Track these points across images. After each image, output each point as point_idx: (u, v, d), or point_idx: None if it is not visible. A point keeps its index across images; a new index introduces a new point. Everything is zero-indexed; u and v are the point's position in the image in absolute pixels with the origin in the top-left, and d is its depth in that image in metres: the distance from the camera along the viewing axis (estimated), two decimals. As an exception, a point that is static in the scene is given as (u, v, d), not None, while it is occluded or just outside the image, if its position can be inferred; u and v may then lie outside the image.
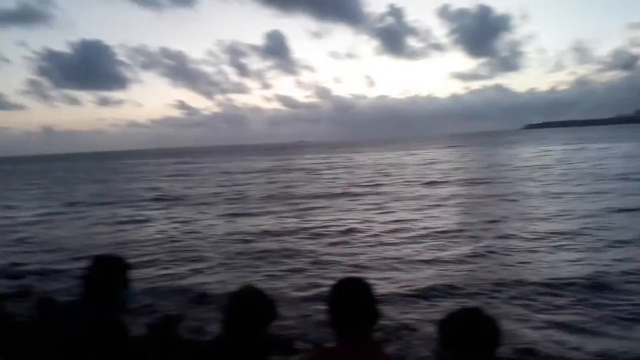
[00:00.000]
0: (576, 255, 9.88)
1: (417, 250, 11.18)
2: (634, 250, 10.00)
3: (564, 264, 9.30)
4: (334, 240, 12.81)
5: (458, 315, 2.01)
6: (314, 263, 10.39)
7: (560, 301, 7.28)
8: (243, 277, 9.41)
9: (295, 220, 16.52)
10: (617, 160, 36.36)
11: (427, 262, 10.13)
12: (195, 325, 6.77)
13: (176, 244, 13.22)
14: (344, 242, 12.47)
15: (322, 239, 13.05)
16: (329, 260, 10.57)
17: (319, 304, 7.40)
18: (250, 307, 2.34)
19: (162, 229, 16.15)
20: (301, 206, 20.07)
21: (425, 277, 9.01)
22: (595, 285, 7.84)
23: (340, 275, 2.85)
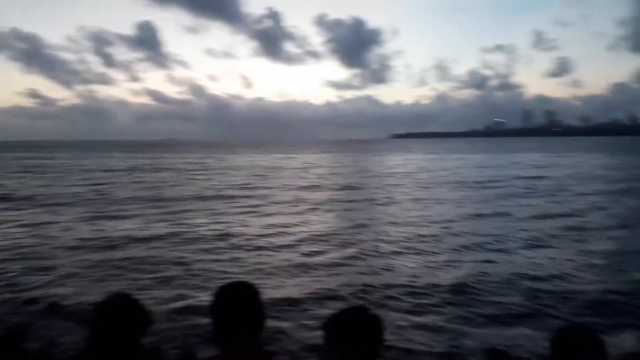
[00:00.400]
0: (438, 258, 10.69)
1: (292, 255, 11.23)
2: (491, 254, 11.06)
3: (427, 267, 10.01)
4: (207, 245, 12.27)
5: (344, 315, 1.98)
6: (185, 271, 9.80)
7: (423, 302, 7.79)
8: (103, 287, 8.56)
9: (164, 224, 15.57)
10: (473, 170, 40.89)
11: (301, 266, 10.22)
12: (46, 337, 6.06)
13: (24, 250, 11.64)
14: (218, 248, 12.03)
15: (195, 244, 12.45)
16: (201, 268, 10.06)
17: (191, 314, 7.06)
18: (121, 315, 2.12)
19: (7, 232, 14.17)
20: (171, 209, 19.01)
21: (299, 282, 9.06)
22: (455, 287, 8.44)
23: (214, 283, 2.68)
